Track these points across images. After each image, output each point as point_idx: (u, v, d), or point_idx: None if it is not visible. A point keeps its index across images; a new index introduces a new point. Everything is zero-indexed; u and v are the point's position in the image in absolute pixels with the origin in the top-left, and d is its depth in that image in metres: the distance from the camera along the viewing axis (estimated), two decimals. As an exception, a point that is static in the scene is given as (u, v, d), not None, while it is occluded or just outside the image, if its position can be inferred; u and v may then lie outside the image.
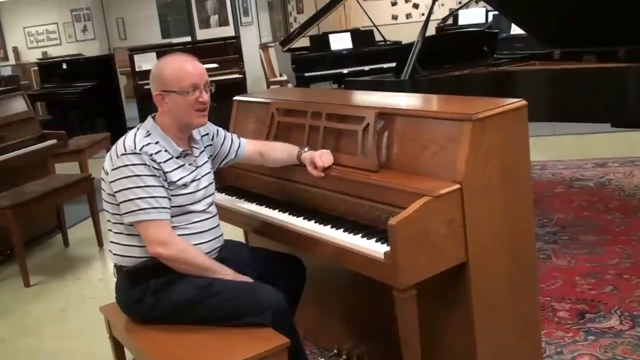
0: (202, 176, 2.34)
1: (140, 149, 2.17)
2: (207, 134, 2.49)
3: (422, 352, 2.10)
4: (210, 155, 2.49)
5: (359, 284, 2.41)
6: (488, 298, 2.14)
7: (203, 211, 2.30)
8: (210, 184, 2.38)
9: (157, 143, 2.23)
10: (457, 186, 1.99)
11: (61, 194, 4.51)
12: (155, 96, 2.25)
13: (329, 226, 2.24)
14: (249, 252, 2.58)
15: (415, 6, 13.18)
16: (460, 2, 11.93)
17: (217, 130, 2.54)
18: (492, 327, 2.17)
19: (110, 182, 2.20)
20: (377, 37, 8.26)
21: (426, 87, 3.74)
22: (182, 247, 2.19)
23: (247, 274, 2.30)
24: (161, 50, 8.35)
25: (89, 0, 13.13)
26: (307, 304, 2.57)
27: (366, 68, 7.58)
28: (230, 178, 2.88)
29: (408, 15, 13.22)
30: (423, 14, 10.43)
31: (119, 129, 7.27)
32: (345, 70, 7.63)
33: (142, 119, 2.36)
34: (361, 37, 8.13)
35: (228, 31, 10.01)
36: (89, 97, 8.42)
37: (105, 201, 2.27)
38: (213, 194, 2.40)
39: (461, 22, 10.01)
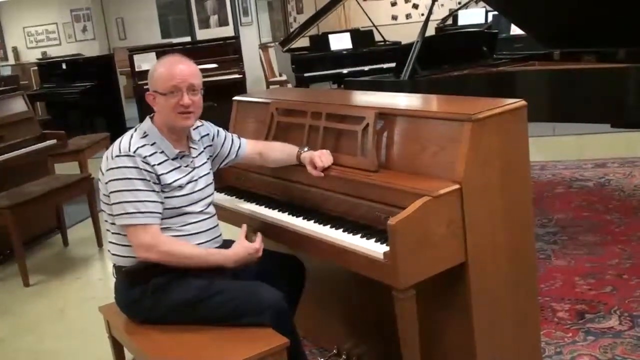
0: (200, 177, 2.33)
1: (134, 151, 2.17)
2: (208, 134, 2.48)
3: (422, 352, 2.10)
4: (210, 156, 2.49)
5: (359, 284, 2.41)
6: (487, 298, 2.14)
7: (200, 212, 2.30)
8: (209, 185, 2.38)
9: (153, 144, 2.23)
10: (457, 186, 1.99)
11: (61, 194, 4.51)
12: (147, 96, 2.28)
13: (329, 226, 2.24)
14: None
15: (415, 6, 13.18)
16: (459, 3, 11.93)
17: (218, 131, 2.54)
18: (491, 327, 2.17)
19: (105, 183, 2.21)
20: (377, 38, 8.26)
21: (426, 87, 3.74)
22: (166, 251, 2.17)
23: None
24: (161, 51, 8.34)
25: (89, 0, 13.12)
26: (306, 304, 2.57)
27: (366, 68, 7.59)
28: (230, 178, 2.88)
29: (408, 16, 13.22)
30: (423, 14, 10.45)
31: (118, 129, 7.26)
32: (344, 71, 7.63)
33: (142, 119, 2.36)
34: (361, 37, 8.13)
35: (228, 31, 10.02)
36: (88, 97, 8.43)
37: (103, 202, 2.27)
38: (212, 194, 2.40)
39: (461, 22, 10.02)
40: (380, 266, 1.96)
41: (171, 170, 2.23)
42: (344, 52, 7.90)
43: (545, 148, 5.84)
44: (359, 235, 2.11)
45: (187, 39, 10.33)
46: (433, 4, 4.13)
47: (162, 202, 2.20)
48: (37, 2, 13.45)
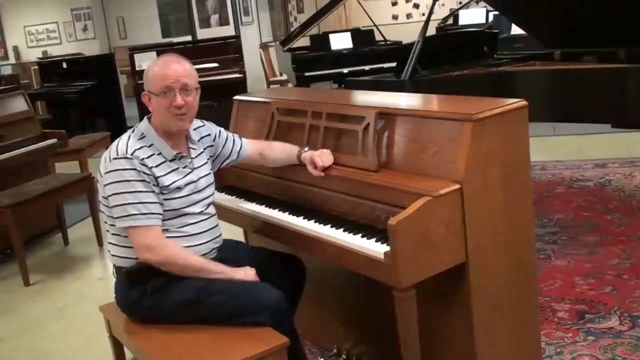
0: (200, 178, 2.32)
1: (132, 154, 2.17)
2: (209, 134, 2.48)
3: (422, 352, 2.10)
4: (211, 156, 2.48)
5: (359, 284, 2.41)
6: (488, 298, 2.14)
7: (200, 213, 2.30)
8: (209, 185, 2.37)
9: (150, 146, 2.22)
10: (457, 186, 1.99)
11: (61, 193, 4.51)
12: (143, 96, 2.27)
13: (329, 226, 2.24)
14: (248, 252, 2.58)
15: (416, 6, 13.17)
16: (460, 2, 11.92)
17: (220, 131, 2.54)
18: (491, 328, 2.17)
19: (104, 185, 2.20)
20: (378, 37, 8.26)
21: (426, 87, 3.74)
22: (170, 253, 2.18)
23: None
24: (161, 50, 8.34)
25: (89, -1, 13.14)
26: (306, 304, 2.57)
27: (366, 68, 7.58)
28: (231, 178, 2.88)
29: (408, 15, 13.21)
30: (423, 14, 10.46)
31: (119, 128, 7.27)
32: (345, 70, 7.63)
33: (142, 118, 2.35)
34: (361, 36, 8.13)
35: (228, 30, 10.02)
36: (89, 97, 8.42)
37: (102, 203, 2.27)
38: (212, 195, 2.39)
39: (461, 22, 10.01)
40: (381, 266, 1.96)
41: (169, 172, 2.23)
42: (345, 51, 7.90)
43: (546, 148, 5.84)
44: (360, 235, 2.11)
45: (188, 38, 10.33)
46: (434, 3, 4.13)
47: (161, 204, 2.20)
48: (38, 1, 13.45)
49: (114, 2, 13.61)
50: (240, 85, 7.80)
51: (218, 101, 6.59)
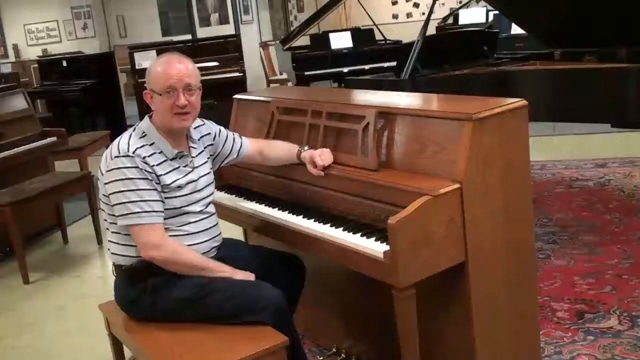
0: (200, 177, 2.32)
1: (133, 152, 2.16)
2: (209, 133, 2.47)
3: (421, 351, 2.10)
4: (211, 155, 2.48)
5: (359, 283, 2.41)
6: (487, 298, 2.14)
7: (200, 212, 2.30)
8: (209, 184, 2.37)
9: (151, 145, 2.22)
10: (457, 186, 1.99)
11: (61, 192, 4.51)
12: (145, 95, 2.26)
13: (329, 225, 2.24)
14: (248, 251, 2.58)
15: (416, 5, 13.17)
16: (460, 2, 11.91)
17: (220, 130, 2.53)
18: (491, 327, 2.17)
19: (105, 183, 2.20)
20: (378, 36, 8.25)
21: (426, 86, 3.74)
22: (174, 249, 2.18)
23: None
24: (161, 48, 8.33)
25: (89, -3, 13.13)
26: (306, 303, 2.57)
27: (366, 67, 7.58)
28: (231, 177, 2.88)
29: (409, 15, 13.21)
30: (423, 14, 10.43)
31: (119, 127, 7.28)
32: (345, 69, 7.63)
33: (143, 116, 2.35)
34: (361, 36, 8.12)
35: (228, 29, 10.03)
36: (89, 95, 8.41)
37: (102, 202, 2.27)
38: (212, 194, 2.39)
39: (461, 21, 10.00)
40: (380, 265, 1.96)
41: (170, 171, 2.23)
42: (345, 50, 7.89)
43: (546, 148, 5.84)
44: (359, 234, 2.11)
45: (188, 37, 10.33)
46: (434, 3, 4.13)
47: (163, 202, 2.20)
48: (38, -1, 13.45)
49: (114, 0, 13.59)
50: (240, 84, 7.80)
51: (218, 100, 6.59)
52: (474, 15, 9.94)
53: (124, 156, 2.16)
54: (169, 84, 2.19)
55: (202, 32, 10.10)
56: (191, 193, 2.27)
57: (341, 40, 7.94)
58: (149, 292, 2.21)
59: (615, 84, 3.51)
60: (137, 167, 2.15)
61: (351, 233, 2.14)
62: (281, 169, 2.60)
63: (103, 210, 2.29)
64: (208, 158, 2.44)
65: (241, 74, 8.16)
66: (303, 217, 2.36)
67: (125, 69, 10.53)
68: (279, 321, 2.14)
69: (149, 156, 2.18)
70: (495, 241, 2.14)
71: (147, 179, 2.16)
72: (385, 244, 1.99)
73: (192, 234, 2.26)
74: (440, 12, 10.85)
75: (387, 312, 2.09)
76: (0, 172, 4.57)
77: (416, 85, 3.76)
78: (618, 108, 3.55)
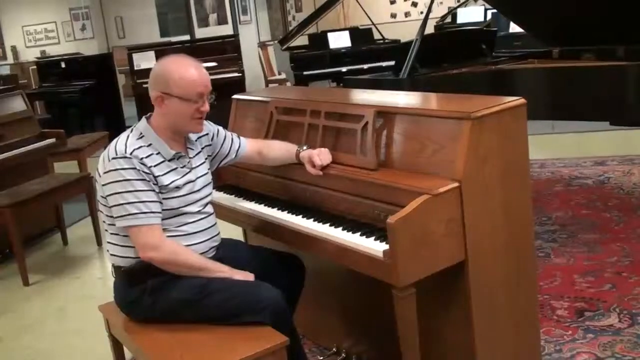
0: (198, 178, 2.32)
1: (131, 153, 2.16)
2: (207, 134, 2.47)
3: (421, 351, 2.10)
4: (209, 156, 2.48)
5: (358, 283, 2.41)
6: (487, 296, 2.14)
7: (198, 212, 2.30)
8: (207, 185, 2.37)
9: (149, 146, 2.21)
10: (456, 184, 1.99)
11: (60, 193, 4.51)
12: (156, 97, 2.21)
13: (328, 224, 2.23)
14: (247, 251, 2.58)
15: (414, 4, 13.17)
16: (459, 1, 11.91)
17: (218, 130, 2.53)
18: (491, 326, 2.17)
19: (103, 185, 2.20)
20: (376, 36, 8.26)
21: (425, 85, 3.74)
22: (172, 250, 2.18)
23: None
24: (160, 49, 8.34)
25: (88, -2, 13.13)
26: (306, 303, 2.57)
27: (365, 66, 7.59)
28: (229, 177, 2.88)
29: (407, 14, 13.21)
30: (422, 13, 10.45)
31: (117, 128, 7.26)
32: (344, 69, 7.63)
33: (141, 118, 2.34)
34: (360, 35, 8.13)
35: (227, 30, 10.01)
36: (87, 96, 8.42)
37: (100, 203, 2.26)
38: (210, 194, 2.39)
39: (460, 20, 9.99)
40: (380, 264, 1.96)
41: (168, 172, 2.22)
42: (343, 50, 7.90)
43: (545, 146, 5.84)
44: (359, 233, 2.11)
45: (186, 37, 10.31)
46: (432, 2, 4.14)
47: (161, 202, 2.20)
48: (36, 1, 13.43)
49: (113, 1, 13.59)
50: (238, 85, 7.80)
51: (216, 100, 6.57)
52: (472, 14, 9.94)
53: (121, 157, 2.16)
54: (199, 92, 2.19)
55: (200, 33, 10.09)
56: (189, 194, 2.26)
57: (339, 40, 7.95)
58: (149, 293, 2.21)
59: (614, 82, 3.52)
60: (135, 169, 2.15)
61: (351, 232, 2.13)
62: (280, 169, 2.59)
63: (101, 211, 2.29)
64: (206, 158, 2.43)
65: (240, 74, 8.16)
66: (302, 217, 2.36)
67: (123, 70, 10.53)
68: (278, 321, 2.14)
69: (146, 157, 2.18)
70: (495, 240, 2.14)
71: (144, 180, 2.16)
72: (384, 243, 1.99)
73: (190, 234, 2.26)
74: (438, 11, 10.86)
75: (387, 312, 2.09)
76: (-1, 173, 4.57)
77: (415, 84, 3.76)
78: (617, 106, 3.55)
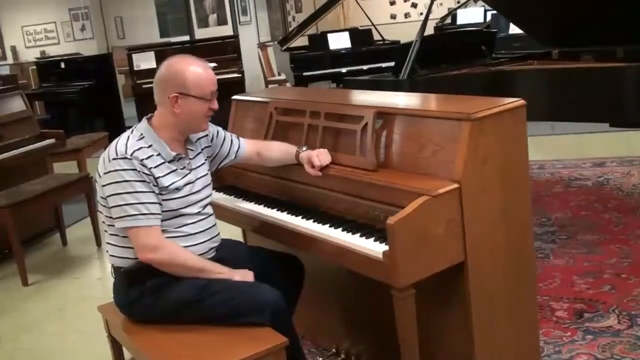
0: (198, 179, 2.32)
1: (131, 154, 2.16)
2: (206, 135, 2.47)
3: (421, 351, 2.10)
4: (209, 157, 2.48)
5: (358, 283, 2.41)
6: (486, 297, 2.14)
7: (198, 213, 2.29)
8: (207, 186, 2.37)
9: (149, 147, 2.21)
10: (456, 185, 1.99)
11: (59, 193, 4.51)
12: (171, 98, 2.20)
13: (328, 225, 2.24)
14: (247, 252, 2.57)
15: (414, 5, 13.18)
16: (458, 2, 11.92)
17: (217, 131, 2.53)
18: (490, 327, 2.17)
19: (103, 186, 2.20)
20: (376, 37, 8.27)
21: (425, 86, 3.74)
22: (171, 251, 2.18)
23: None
24: (160, 50, 8.35)
25: (87, -1, 13.13)
26: (305, 303, 2.57)
27: (364, 67, 7.59)
28: (229, 177, 2.88)
29: (406, 15, 13.21)
30: (421, 14, 10.44)
31: (117, 128, 7.26)
32: (343, 70, 7.64)
33: (140, 118, 2.34)
34: (360, 36, 8.14)
35: (226, 30, 10.02)
36: (87, 96, 8.41)
37: (100, 204, 2.26)
38: (209, 195, 2.39)
39: (459, 21, 10.00)
40: (380, 265, 1.96)
41: (168, 173, 2.22)
42: (343, 51, 7.90)
43: (544, 147, 5.84)
44: (358, 234, 2.11)
45: (186, 38, 10.32)
46: (432, 3, 4.14)
47: (161, 204, 2.20)
48: (36, 1, 13.43)
49: (112, 1, 13.59)
50: (238, 85, 7.81)
51: (217, 99, 6.59)
52: (472, 15, 9.95)
53: (121, 158, 2.16)
54: (212, 90, 2.25)
55: (200, 33, 10.09)
56: (189, 195, 2.26)
57: (339, 41, 7.96)
58: (149, 294, 2.21)
59: (613, 83, 3.52)
60: (135, 170, 2.15)
61: (350, 233, 2.14)
62: (280, 170, 2.59)
63: (101, 212, 2.29)
64: (205, 159, 2.43)
65: (239, 75, 8.16)
66: (302, 218, 2.36)
67: (123, 70, 10.53)
68: (278, 322, 2.14)
69: (147, 158, 2.18)
70: (494, 241, 2.14)
71: (144, 181, 2.16)
72: (384, 244, 1.99)
73: (190, 235, 2.26)
74: (438, 12, 10.87)
75: (387, 312, 2.09)
76: (-2, 174, 4.57)
77: (414, 85, 3.76)
78: (616, 107, 3.55)
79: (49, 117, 8.41)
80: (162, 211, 2.20)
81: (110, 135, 6.36)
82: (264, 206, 2.55)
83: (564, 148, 5.89)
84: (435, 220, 1.96)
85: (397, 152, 2.24)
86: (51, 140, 5.09)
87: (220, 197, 2.74)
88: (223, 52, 8.44)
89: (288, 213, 2.43)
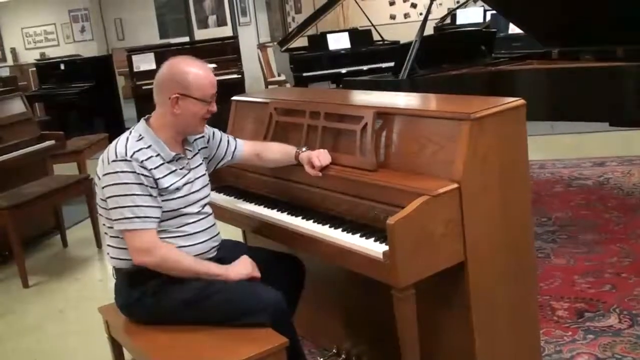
0: (196, 178, 2.32)
1: (131, 156, 2.16)
2: (203, 136, 2.47)
3: (421, 352, 2.10)
4: (206, 158, 2.48)
5: (358, 284, 2.41)
6: (486, 297, 2.14)
7: (198, 212, 2.30)
8: (205, 186, 2.37)
9: (149, 147, 2.21)
10: (456, 185, 1.99)
11: (59, 195, 4.51)
12: (172, 98, 2.21)
13: (328, 226, 2.24)
14: (247, 252, 2.56)
15: (414, 6, 13.18)
16: (458, 2, 11.92)
17: (213, 133, 2.53)
18: (490, 326, 2.17)
19: (102, 187, 2.20)
20: (375, 37, 8.26)
21: (424, 86, 3.74)
22: (163, 253, 2.17)
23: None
24: (159, 51, 8.35)
25: (87, 0, 13.11)
26: (306, 304, 2.57)
27: (364, 68, 7.59)
28: (229, 178, 2.88)
29: (406, 15, 13.21)
30: (421, 14, 10.43)
31: (117, 130, 7.21)
32: (343, 70, 7.64)
33: (140, 119, 2.34)
34: (359, 36, 8.14)
35: (226, 31, 10.02)
36: (87, 98, 8.42)
37: (100, 205, 2.26)
38: (208, 195, 2.39)
39: (459, 21, 10.00)
40: (380, 265, 1.96)
41: (168, 174, 2.22)
42: (343, 51, 7.91)
43: (544, 147, 5.84)
44: (358, 234, 2.11)
45: (186, 39, 10.33)
46: (431, 3, 4.14)
47: (159, 207, 2.19)
48: (36, 3, 13.43)
49: (112, 3, 13.60)
50: (238, 86, 7.81)
51: (216, 102, 6.59)
52: (472, 15, 9.94)
53: (121, 160, 2.15)
54: (212, 92, 2.26)
55: (199, 34, 10.10)
56: (189, 194, 2.27)
57: (339, 41, 7.96)
58: (149, 295, 2.21)
59: (613, 82, 3.51)
60: (134, 172, 2.14)
61: (350, 234, 2.14)
62: (280, 170, 2.59)
63: (101, 214, 2.28)
64: (203, 160, 2.44)
65: (239, 76, 8.17)
66: (302, 218, 2.36)
67: (123, 71, 10.53)
68: (278, 322, 2.14)
69: (146, 160, 2.18)
70: (495, 240, 2.14)
71: (142, 184, 2.15)
72: (384, 244, 1.99)
73: (191, 234, 2.26)
74: (437, 12, 10.86)
75: (387, 312, 2.09)
76: (-1, 175, 4.57)
77: (414, 85, 3.76)
78: (616, 107, 3.55)
79: (49, 119, 8.40)
80: (163, 211, 2.20)
81: (110, 137, 6.36)
82: (264, 207, 2.55)
83: (564, 147, 5.89)
84: (435, 220, 1.96)
85: (396, 152, 2.24)
86: (51, 142, 5.09)
87: (220, 198, 2.74)
88: (223, 53, 8.44)
89: (288, 214, 2.43)
